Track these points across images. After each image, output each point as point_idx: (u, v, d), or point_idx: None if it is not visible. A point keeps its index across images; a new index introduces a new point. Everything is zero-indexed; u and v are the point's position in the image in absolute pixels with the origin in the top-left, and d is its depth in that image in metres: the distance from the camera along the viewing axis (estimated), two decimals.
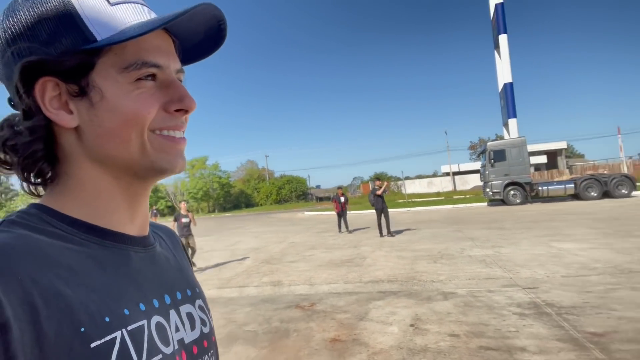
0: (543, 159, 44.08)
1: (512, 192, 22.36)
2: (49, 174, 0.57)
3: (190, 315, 0.64)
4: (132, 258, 0.59)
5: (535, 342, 3.98)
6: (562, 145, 44.33)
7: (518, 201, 22.20)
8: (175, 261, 0.71)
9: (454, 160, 59.78)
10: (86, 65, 0.53)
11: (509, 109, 29.15)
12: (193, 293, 0.68)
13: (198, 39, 0.62)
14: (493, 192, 22.66)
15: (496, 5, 30.29)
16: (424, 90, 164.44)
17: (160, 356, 0.53)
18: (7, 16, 0.54)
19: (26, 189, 0.59)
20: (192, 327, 0.63)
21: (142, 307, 0.54)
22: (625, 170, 28.73)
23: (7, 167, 0.57)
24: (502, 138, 30.12)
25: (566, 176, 24.90)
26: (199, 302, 0.68)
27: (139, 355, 0.50)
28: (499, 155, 22.63)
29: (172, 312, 0.60)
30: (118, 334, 0.48)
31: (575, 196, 22.10)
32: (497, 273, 6.98)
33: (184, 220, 10.24)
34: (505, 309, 5.05)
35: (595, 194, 21.15)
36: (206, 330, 0.66)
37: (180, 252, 0.77)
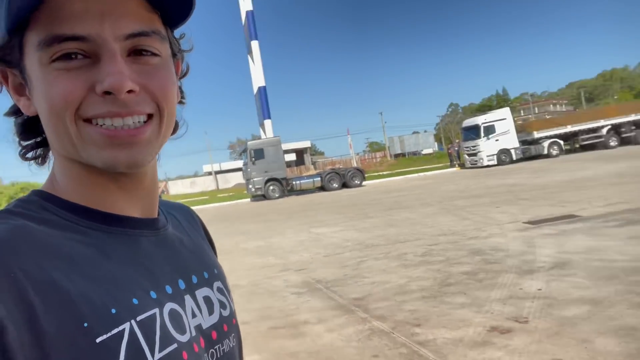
0: (293, 157, 49.33)
1: (271, 188, 24.49)
2: (40, 158, 0.56)
3: (207, 299, 0.60)
4: (140, 243, 0.54)
5: (314, 314, 4.59)
6: (307, 144, 50.48)
7: (277, 195, 24.49)
8: (191, 242, 0.65)
9: (215, 160, 60.71)
10: (11, 46, 0.48)
11: (264, 111, 31.64)
12: (210, 275, 0.63)
13: None
14: (255, 188, 24.40)
15: (247, 13, 32.28)
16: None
17: (175, 345, 0.49)
18: None
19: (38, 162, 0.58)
20: (211, 312, 0.59)
21: (153, 294, 0.50)
22: (355, 164, 35.00)
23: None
24: (259, 138, 32.35)
25: (312, 171, 28.93)
26: (217, 284, 0.64)
27: (151, 347, 0.46)
28: (259, 154, 24.42)
29: (188, 297, 0.56)
30: (126, 325, 0.45)
31: (322, 188, 25.65)
32: (271, 261, 7.63)
33: None
34: (284, 291, 5.62)
35: (336, 185, 25.07)
36: (226, 313, 0.62)
37: (198, 230, 0.72)
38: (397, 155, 51.91)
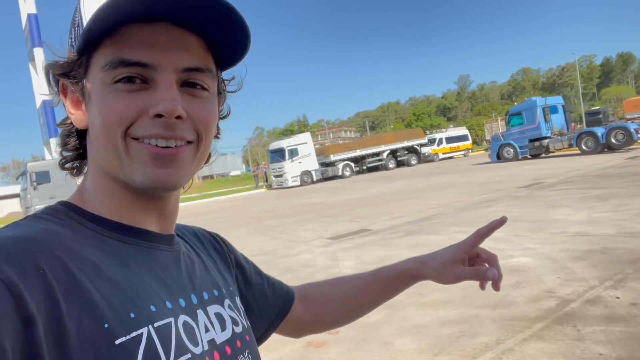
0: None
1: None
2: (75, 169, 0.59)
3: (219, 316, 0.61)
4: (157, 256, 0.57)
5: None
6: None
7: None
8: (201, 262, 0.67)
9: None
10: (79, 64, 0.52)
11: (49, 128, 27.34)
12: (220, 293, 0.64)
13: (227, 39, 0.55)
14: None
15: (29, 16, 27.73)
16: None
17: (189, 355, 0.50)
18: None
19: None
20: (223, 328, 0.60)
21: (168, 305, 0.52)
22: None
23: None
24: (43, 159, 27.81)
25: None
26: (227, 301, 0.65)
27: (167, 353, 0.47)
28: (43, 177, 20.87)
29: (200, 312, 0.57)
30: (144, 330, 0.46)
31: None
32: None
33: None
34: None
35: None
36: (238, 329, 0.63)
37: (209, 250, 0.73)
38: (205, 177, 51.09)
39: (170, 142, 0.52)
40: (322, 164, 30.69)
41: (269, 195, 24.63)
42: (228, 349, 0.59)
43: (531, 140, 21.36)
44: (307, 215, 12.62)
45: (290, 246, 8.30)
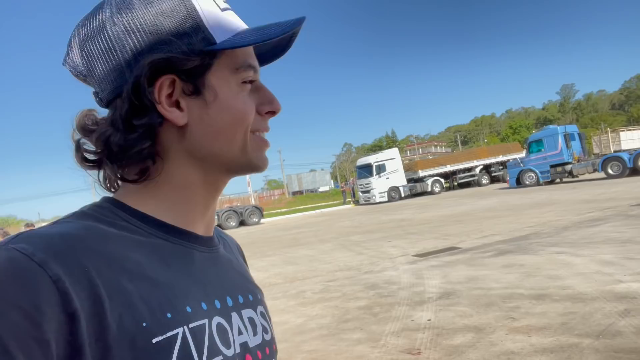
0: None
1: None
2: (148, 171, 0.55)
3: (252, 320, 0.62)
4: (195, 257, 0.58)
5: None
6: None
7: None
8: (239, 265, 0.70)
9: None
10: (206, 65, 0.54)
11: None
12: (254, 298, 0.66)
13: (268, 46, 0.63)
14: None
15: None
16: None
17: (220, 357, 0.52)
18: (120, 11, 0.53)
19: (104, 184, 0.59)
20: (255, 332, 0.61)
21: (204, 306, 0.54)
22: (253, 202, 34.58)
23: (91, 164, 0.57)
24: None
25: None
26: (260, 308, 0.66)
27: (200, 354, 0.49)
28: None
29: (234, 315, 0.59)
30: (179, 330, 0.48)
31: (219, 226, 24.78)
32: None
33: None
34: None
35: (234, 224, 24.42)
36: (268, 337, 0.64)
37: (243, 259, 0.77)
38: (295, 193, 52.63)
39: (265, 133, 0.62)
40: (411, 180, 30.10)
41: (356, 211, 24.66)
42: (259, 354, 0.60)
43: (553, 166, 21.93)
44: (394, 231, 12.42)
45: (375, 262, 8.21)
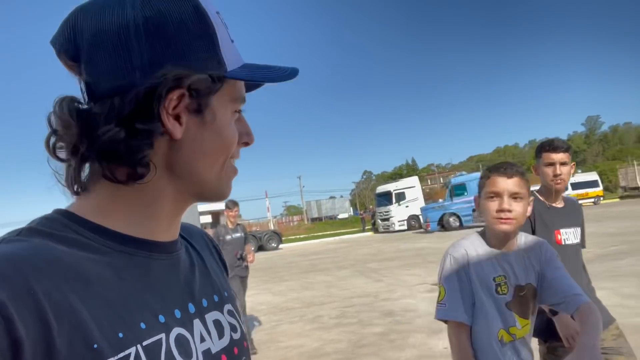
0: (208, 219, 47.90)
1: None
2: (137, 174, 0.53)
3: (217, 323, 0.62)
4: (153, 266, 0.56)
5: None
6: (222, 206, 49.37)
7: None
8: (203, 264, 0.68)
9: None
10: (216, 89, 0.56)
11: None
12: (220, 298, 0.66)
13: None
14: None
15: None
16: None
17: None
18: (144, 13, 0.52)
19: (72, 187, 0.54)
20: (221, 335, 0.61)
21: (161, 318, 0.52)
22: (272, 227, 34.78)
23: (62, 160, 0.54)
24: None
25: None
26: (227, 307, 0.66)
27: None
28: None
29: (197, 322, 0.58)
30: (132, 350, 0.47)
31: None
32: None
33: (233, 236, 5.85)
34: None
35: (252, 248, 24.51)
36: (236, 336, 0.64)
37: (210, 251, 0.75)
38: (314, 219, 52.58)
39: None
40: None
41: (375, 239, 24.50)
42: (224, 358, 0.60)
43: (474, 210, 21.07)
44: (412, 259, 12.33)
45: (393, 289, 8.18)
